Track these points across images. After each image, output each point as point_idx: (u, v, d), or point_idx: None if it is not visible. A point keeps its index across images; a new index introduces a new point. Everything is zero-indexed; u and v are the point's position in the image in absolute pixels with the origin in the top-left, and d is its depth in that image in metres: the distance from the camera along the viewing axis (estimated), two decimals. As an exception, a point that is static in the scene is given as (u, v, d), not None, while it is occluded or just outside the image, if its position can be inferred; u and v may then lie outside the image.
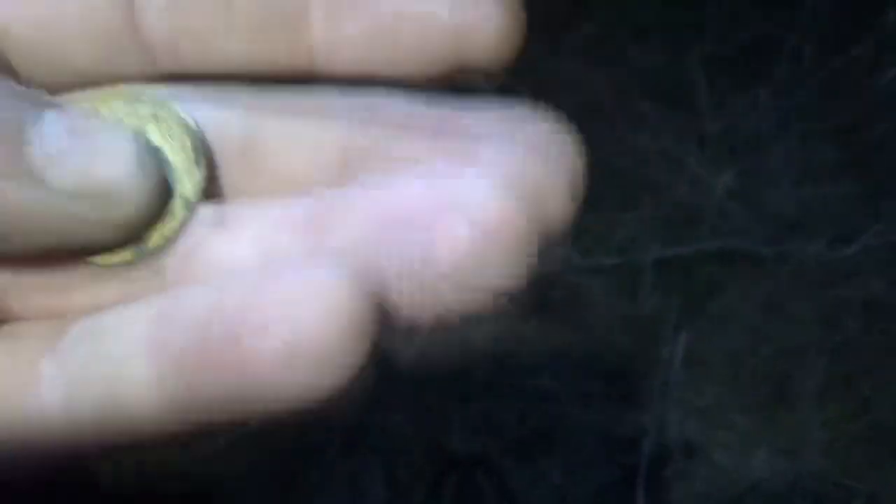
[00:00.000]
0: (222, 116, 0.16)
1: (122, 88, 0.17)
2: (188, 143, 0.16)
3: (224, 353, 0.13)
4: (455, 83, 0.17)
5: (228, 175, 0.16)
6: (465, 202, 0.13)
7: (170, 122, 0.16)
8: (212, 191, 0.17)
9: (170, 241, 0.16)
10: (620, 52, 1.42)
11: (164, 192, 0.15)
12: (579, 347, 1.11)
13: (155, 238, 0.16)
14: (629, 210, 1.24)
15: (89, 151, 0.14)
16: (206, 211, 0.16)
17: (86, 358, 0.14)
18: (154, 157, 0.15)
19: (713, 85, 1.34)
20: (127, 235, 0.15)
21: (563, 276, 1.18)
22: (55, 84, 0.16)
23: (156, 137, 0.16)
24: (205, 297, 0.13)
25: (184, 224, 0.16)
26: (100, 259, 0.16)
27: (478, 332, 1.13)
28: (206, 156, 0.16)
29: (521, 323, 1.13)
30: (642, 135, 1.31)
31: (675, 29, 1.42)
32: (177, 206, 0.16)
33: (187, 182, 0.16)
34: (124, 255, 0.16)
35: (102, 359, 0.14)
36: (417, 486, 1.00)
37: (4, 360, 0.15)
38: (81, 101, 0.16)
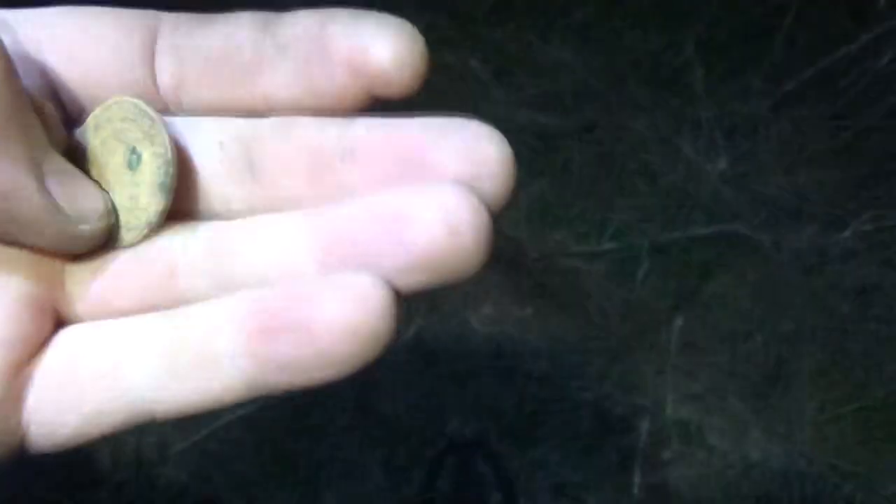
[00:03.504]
0: (225, 131, 0.21)
1: (128, 102, 0.21)
2: (163, 167, 0.20)
3: (298, 332, 0.17)
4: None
5: (234, 179, 0.21)
6: (434, 202, 0.18)
7: (156, 144, 0.20)
8: (186, 206, 0.21)
9: (137, 242, 0.21)
10: (615, 38, 1.42)
11: (112, 227, 0.20)
12: (576, 332, 1.12)
13: (127, 240, 0.21)
14: (625, 196, 1.24)
15: (76, 182, 0.19)
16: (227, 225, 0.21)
17: (173, 337, 0.19)
18: (113, 211, 0.20)
19: (708, 70, 1.34)
20: (68, 247, 0.19)
21: (559, 261, 1.19)
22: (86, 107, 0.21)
23: (145, 154, 0.21)
24: (278, 293, 0.18)
25: (147, 233, 0.21)
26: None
27: (476, 317, 1.13)
28: (172, 183, 0.21)
29: (518, 308, 1.14)
30: (637, 120, 1.31)
31: (669, 14, 1.42)
32: (142, 219, 0.21)
33: (153, 203, 0.21)
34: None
35: (189, 338, 0.19)
36: (416, 469, 1.01)
37: (90, 345, 0.19)
38: (96, 114, 0.21)
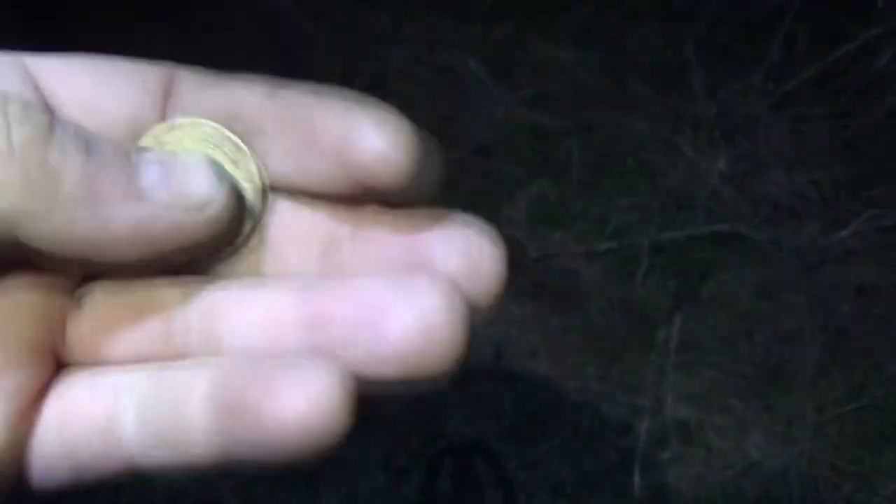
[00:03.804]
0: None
1: (206, 125, 0.21)
2: (253, 193, 0.20)
3: (254, 416, 0.18)
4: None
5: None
6: (414, 297, 0.18)
7: (242, 169, 0.20)
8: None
9: (238, 250, 0.21)
10: (615, 36, 1.42)
11: (239, 201, 0.20)
12: (575, 332, 1.12)
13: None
14: (624, 195, 1.24)
15: (178, 175, 0.19)
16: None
17: (157, 399, 0.19)
18: (227, 176, 0.19)
19: (707, 69, 1.34)
20: (213, 237, 0.19)
21: (559, 261, 1.19)
22: None
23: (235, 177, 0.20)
24: (245, 371, 0.18)
25: (247, 240, 0.21)
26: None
27: (475, 317, 1.13)
28: (263, 209, 0.21)
29: (518, 308, 1.14)
30: (637, 120, 1.31)
31: (669, 13, 1.42)
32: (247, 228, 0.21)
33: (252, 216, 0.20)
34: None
35: (170, 401, 0.19)
36: (415, 470, 1.01)
37: (87, 395, 0.20)
38: (169, 139, 0.21)
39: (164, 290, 0.20)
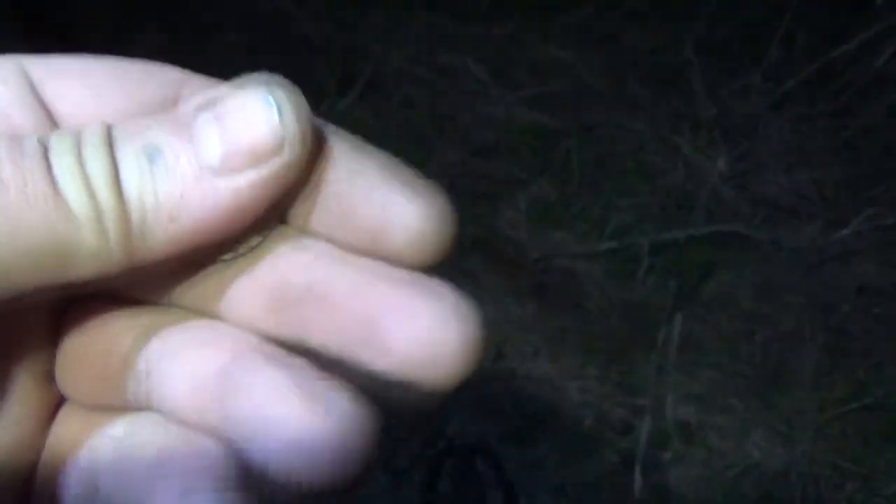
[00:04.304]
0: None
1: None
2: None
3: None
4: None
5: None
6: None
7: None
8: None
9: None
10: (614, 37, 1.42)
11: (310, 124, 0.17)
12: (576, 332, 1.12)
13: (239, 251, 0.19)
14: (625, 195, 1.24)
15: (239, 127, 0.17)
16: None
17: None
18: (291, 103, 0.17)
19: (707, 69, 1.35)
20: (295, 174, 0.17)
21: (559, 261, 1.19)
22: None
23: None
24: None
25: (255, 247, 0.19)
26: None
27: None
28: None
29: (518, 308, 1.14)
30: (637, 120, 1.31)
31: (668, 13, 1.42)
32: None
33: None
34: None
35: None
36: (416, 470, 1.01)
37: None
38: None
39: (123, 332, 0.19)
